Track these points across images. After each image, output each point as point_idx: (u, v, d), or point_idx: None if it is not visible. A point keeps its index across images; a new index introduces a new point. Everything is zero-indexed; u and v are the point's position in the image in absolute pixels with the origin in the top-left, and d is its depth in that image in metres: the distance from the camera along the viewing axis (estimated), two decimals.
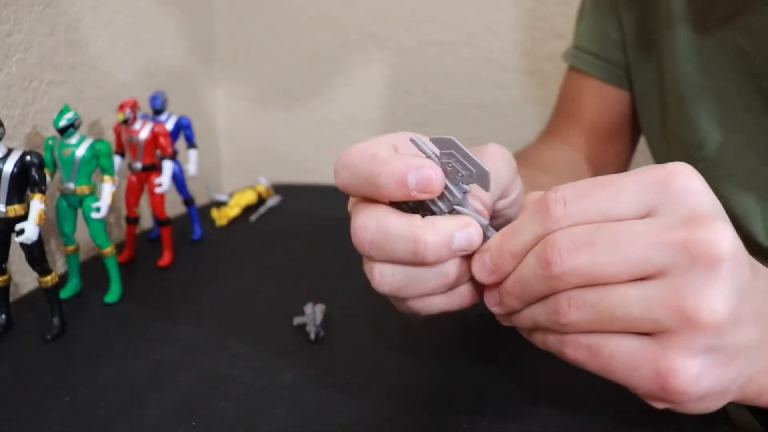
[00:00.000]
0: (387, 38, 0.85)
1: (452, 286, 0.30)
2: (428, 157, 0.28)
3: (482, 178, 0.28)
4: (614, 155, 0.65)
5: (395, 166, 0.27)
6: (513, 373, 0.39)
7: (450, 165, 0.28)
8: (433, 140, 0.28)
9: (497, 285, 0.29)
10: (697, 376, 0.24)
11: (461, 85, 0.84)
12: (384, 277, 0.29)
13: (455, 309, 0.31)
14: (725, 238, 0.24)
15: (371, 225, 0.28)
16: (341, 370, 0.39)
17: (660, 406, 0.26)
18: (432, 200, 0.28)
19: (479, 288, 0.31)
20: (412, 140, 0.29)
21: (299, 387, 0.38)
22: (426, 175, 0.27)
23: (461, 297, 0.31)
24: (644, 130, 0.60)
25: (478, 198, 0.30)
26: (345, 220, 0.31)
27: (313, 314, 0.44)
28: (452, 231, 0.27)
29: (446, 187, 0.28)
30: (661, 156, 0.58)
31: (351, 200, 0.31)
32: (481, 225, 0.28)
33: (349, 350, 0.42)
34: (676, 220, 0.24)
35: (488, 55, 0.82)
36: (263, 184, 0.73)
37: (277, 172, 0.87)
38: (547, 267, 0.25)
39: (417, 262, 0.28)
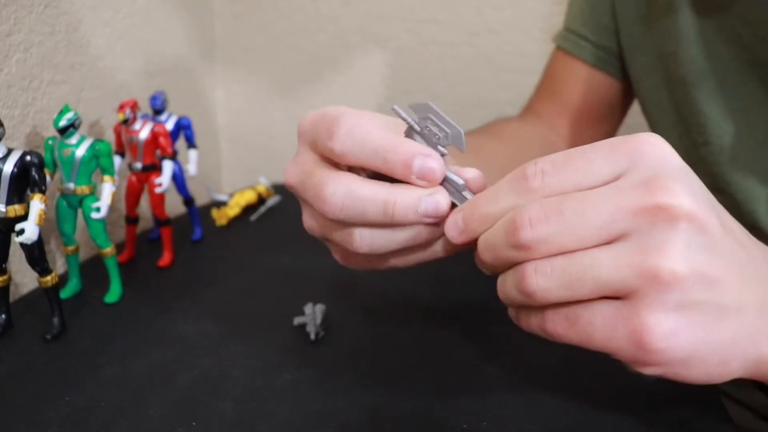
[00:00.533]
0: (387, 38, 0.85)
1: (426, 246, 0.32)
2: (409, 123, 0.30)
3: (456, 139, 0.30)
4: (593, 139, 0.65)
5: (406, 148, 0.29)
6: (513, 373, 0.39)
7: (427, 128, 0.30)
8: (412, 107, 0.31)
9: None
10: (671, 332, 0.25)
11: (461, 85, 0.84)
12: (363, 239, 0.31)
13: (435, 260, 0.33)
14: (683, 198, 0.25)
15: (341, 190, 0.30)
16: (341, 370, 0.39)
17: (647, 370, 0.26)
18: None
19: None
20: (393, 109, 0.31)
21: (299, 387, 0.38)
22: (430, 165, 0.29)
23: (435, 253, 0.32)
24: (645, 114, 0.60)
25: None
26: None
27: (313, 314, 0.44)
28: (420, 195, 0.29)
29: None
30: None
31: (296, 173, 0.33)
32: (458, 185, 0.30)
33: (349, 350, 0.42)
34: (638, 183, 0.25)
35: (488, 55, 0.82)
36: (263, 184, 0.73)
37: (277, 172, 0.87)
38: (514, 234, 0.26)
39: (387, 221, 0.30)
